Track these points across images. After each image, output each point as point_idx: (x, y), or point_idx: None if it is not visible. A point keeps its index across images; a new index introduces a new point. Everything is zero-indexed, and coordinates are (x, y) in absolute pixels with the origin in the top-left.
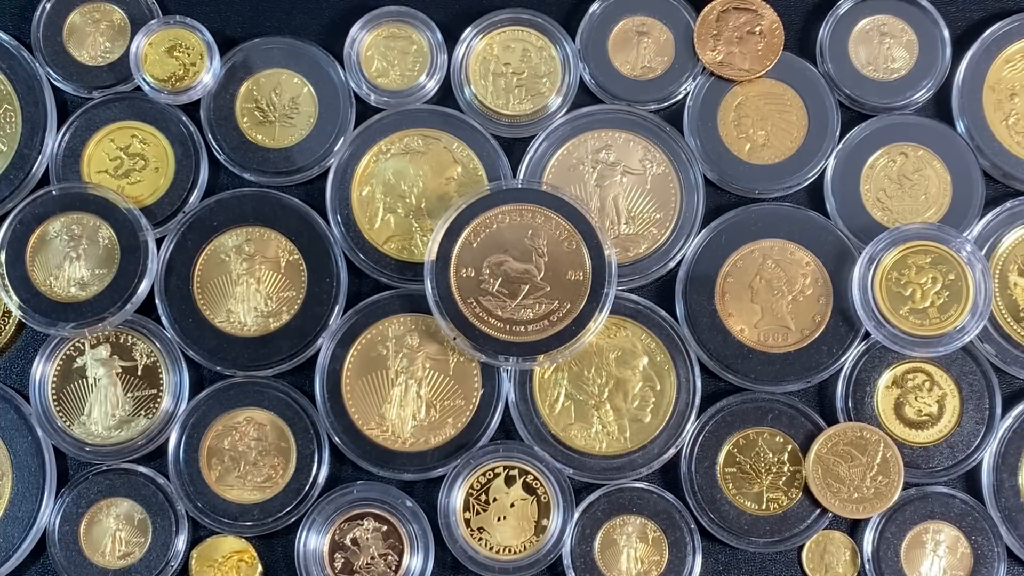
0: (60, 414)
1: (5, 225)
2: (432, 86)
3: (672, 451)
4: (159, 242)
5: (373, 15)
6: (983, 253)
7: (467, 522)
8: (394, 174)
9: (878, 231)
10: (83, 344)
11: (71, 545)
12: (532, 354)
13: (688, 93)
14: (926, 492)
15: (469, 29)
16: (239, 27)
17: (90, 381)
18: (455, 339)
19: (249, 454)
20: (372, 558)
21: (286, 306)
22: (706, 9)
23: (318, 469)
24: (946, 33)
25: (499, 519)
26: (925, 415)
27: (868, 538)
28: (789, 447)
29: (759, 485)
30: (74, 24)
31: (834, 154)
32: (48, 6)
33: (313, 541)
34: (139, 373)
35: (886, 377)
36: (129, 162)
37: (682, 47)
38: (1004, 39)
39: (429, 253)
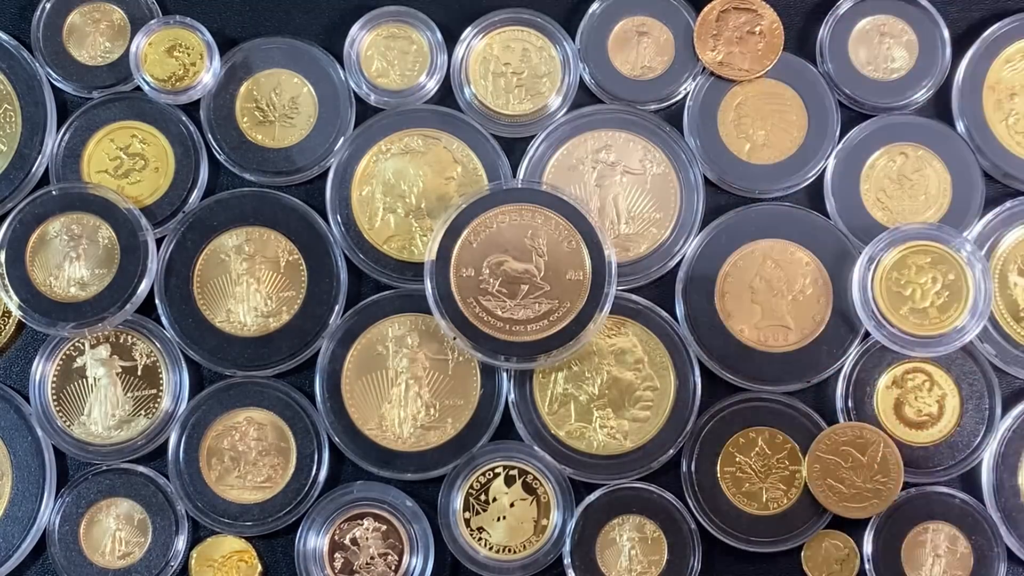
0: (60, 414)
1: (5, 225)
2: (432, 86)
3: (672, 451)
4: (159, 242)
5: (373, 15)
6: (983, 253)
7: (467, 522)
8: (394, 174)
9: (878, 231)
10: (83, 344)
11: (71, 545)
12: (532, 354)
13: (688, 93)
14: (926, 492)
15: (469, 29)
16: (239, 27)
17: (90, 381)
18: (455, 339)
19: (249, 454)
20: (372, 558)
21: (286, 306)
22: (706, 9)
23: (318, 469)
24: (946, 33)
25: (499, 519)
26: (925, 415)
27: (868, 538)
28: (789, 447)
29: (759, 485)
30: (74, 24)
31: (834, 154)
32: (48, 6)
33: (313, 541)
34: (139, 373)
35: (886, 377)
36: (129, 162)
37: (682, 47)
38: (1004, 39)
39: (429, 253)
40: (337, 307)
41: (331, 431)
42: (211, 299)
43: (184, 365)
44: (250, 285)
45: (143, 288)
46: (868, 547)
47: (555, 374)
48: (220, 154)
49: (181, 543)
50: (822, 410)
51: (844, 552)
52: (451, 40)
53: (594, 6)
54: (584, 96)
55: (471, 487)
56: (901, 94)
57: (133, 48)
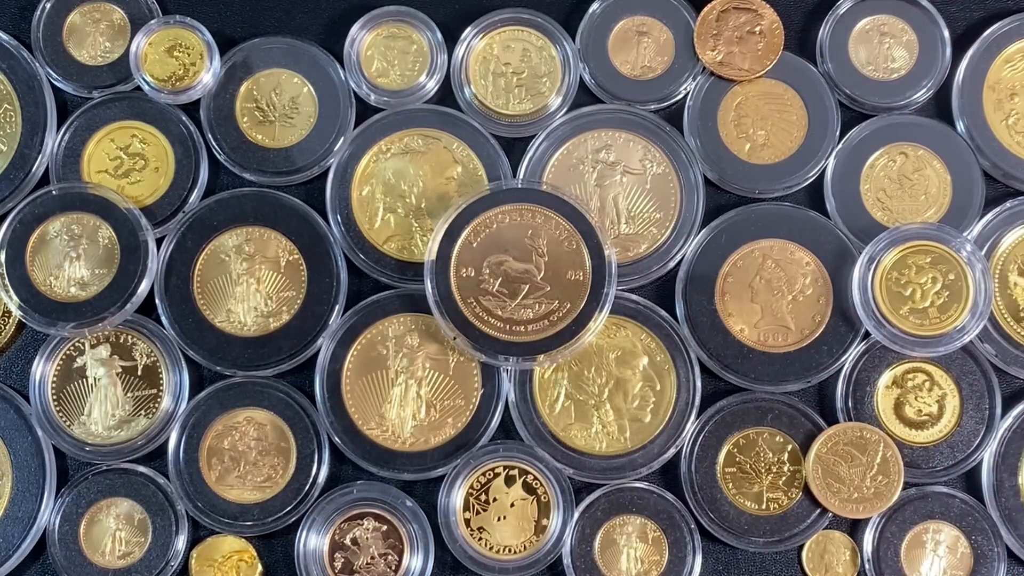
0: (60, 414)
1: (5, 225)
2: (432, 86)
3: (672, 451)
4: (159, 242)
5: (373, 15)
6: (983, 253)
7: (467, 522)
8: (394, 174)
9: (878, 231)
10: (83, 344)
11: (71, 545)
12: (532, 354)
13: (688, 93)
14: (926, 492)
15: (469, 29)
16: (239, 27)
17: (90, 381)
18: (455, 339)
19: (249, 454)
20: (372, 558)
21: (286, 306)
22: (706, 9)
23: (318, 469)
24: (946, 33)
25: (499, 519)
26: (925, 415)
27: (868, 538)
28: (789, 447)
29: (759, 485)
30: (74, 24)
31: (834, 154)
32: (48, 6)
33: (313, 541)
34: (139, 373)
35: (886, 377)
36: (129, 162)
37: (682, 47)
38: (1004, 39)
39: (429, 253)
40: (337, 307)
41: (331, 431)
42: (211, 299)
43: (184, 365)
44: (250, 285)
45: (143, 288)
46: (868, 547)
47: (555, 374)
48: (220, 154)
49: (181, 543)
50: (822, 410)
51: (844, 552)
52: (451, 40)
53: (594, 6)
54: (584, 96)
55: (471, 487)
56: (901, 94)
57: (133, 48)
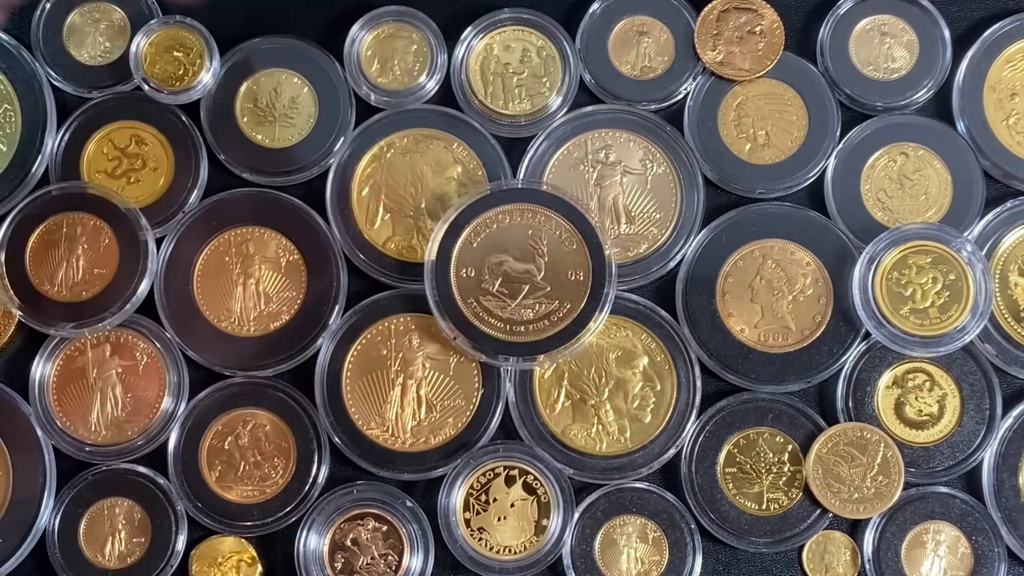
0: (60, 414)
1: (5, 225)
2: (432, 86)
3: (672, 451)
4: (159, 242)
5: (373, 15)
6: (983, 253)
7: (467, 522)
8: (394, 174)
9: (878, 231)
10: (83, 344)
11: (71, 545)
12: (532, 354)
13: (688, 93)
14: (926, 492)
15: (469, 29)
16: (239, 27)
17: (90, 381)
18: (455, 339)
19: (249, 454)
20: (372, 558)
21: (286, 306)
22: (706, 9)
23: (318, 469)
24: (946, 33)
25: (499, 519)
26: (925, 415)
27: (868, 538)
28: (789, 447)
29: (759, 485)
30: (74, 24)
31: (834, 154)
32: (48, 6)
33: (313, 541)
34: (139, 373)
35: (886, 377)
36: (128, 162)
37: (682, 47)
38: (1004, 39)
39: (429, 253)
40: (337, 307)
41: (331, 431)
42: (211, 299)
43: (184, 365)
44: (250, 285)
45: (143, 288)
46: (868, 547)
47: (555, 374)
48: (220, 154)
49: (181, 543)
50: (822, 410)
51: (844, 552)
52: (451, 40)
53: (594, 6)
54: (584, 96)
55: (471, 487)
56: (901, 94)
57: (133, 48)
